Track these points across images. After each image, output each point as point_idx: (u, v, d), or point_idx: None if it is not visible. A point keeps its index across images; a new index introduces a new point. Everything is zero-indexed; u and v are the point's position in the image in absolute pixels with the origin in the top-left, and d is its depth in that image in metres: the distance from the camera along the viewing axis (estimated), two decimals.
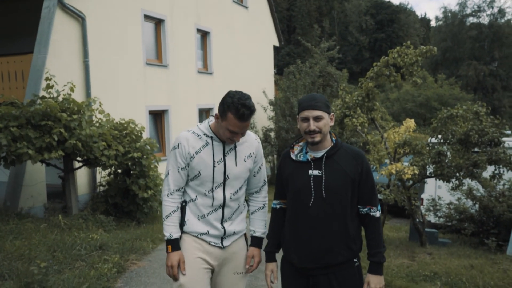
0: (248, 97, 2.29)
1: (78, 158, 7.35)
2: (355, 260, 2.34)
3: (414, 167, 6.66)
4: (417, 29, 57.88)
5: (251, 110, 2.25)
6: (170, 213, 2.43)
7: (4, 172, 7.82)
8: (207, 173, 2.40)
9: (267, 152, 14.69)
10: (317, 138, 2.26)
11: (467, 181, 7.87)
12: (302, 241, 2.31)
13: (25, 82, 8.48)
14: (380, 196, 7.40)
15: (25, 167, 7.74)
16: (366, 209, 2.33)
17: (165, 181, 2.48)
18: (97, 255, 5.38)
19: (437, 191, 9.92)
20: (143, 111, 10.68)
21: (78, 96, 8.44)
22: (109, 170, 7.91)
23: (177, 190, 2.45)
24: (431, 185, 10.12)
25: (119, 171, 7.95)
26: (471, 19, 40.19)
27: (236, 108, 2.22)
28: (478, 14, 39.77)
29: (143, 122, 10.26)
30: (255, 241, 2.60)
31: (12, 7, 9.78)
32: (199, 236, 2.46)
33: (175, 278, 2.40)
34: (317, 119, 2.25)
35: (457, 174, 6.82)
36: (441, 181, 7.04)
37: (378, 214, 2.33)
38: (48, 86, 6.93)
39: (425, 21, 68.29)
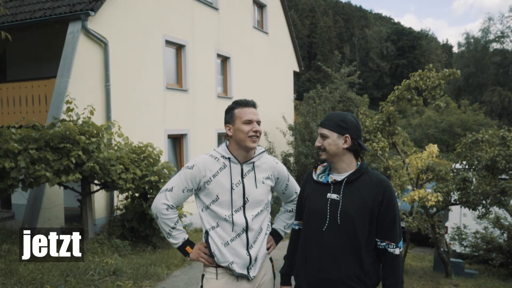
0: None
1: (96, 181, 7.35)
2: None
3: (438, 193, 6.43)
4: (439, 55, 57.72)
5: (251, 100, 2.39)
6: (175, 223, 2.37)
7: (22, 195, 7.87)
8: (225, 197, 2.30)
9: None
10: (323, 156, 2.20)
11: (494, 209, 7.57)
12: (312, 268, 2.14)
13: (48, 105, 8.64)
14: (402, 224, 7.15)
15: (44, 190, 7.78)
16: (384, 243, 2.11)
17: (162, 195, 2.37)
18: (110, 280, 5.29)
19: (462, 219, 9.57)
20: (162, 134, 10.72)
21: (98, 119, 8.52)
22: (126, 193, 7.88)
23: (176, 207, 2.38)
24: (456, 213, 9.78)
25: (136, 194, 7.90)
26: (495, 45, 39.78)
27: (237, 102, 2.38)
28: (502, 40, 39.35)
29: (161, 145, 10.29)
30: (272, 232, 2.53)
31: (39, 32, 10.07)
32: (230, 265, 2.29)
33: (210, 262, 2.34)
34: (322, 136, 2.19)
35: (484, 202, 6.57)
36: (466, 208, 6.79)
37: (397, 251, 2.10)
38: (68, 109, 7.01)
39: (447, 47, 68.08)
